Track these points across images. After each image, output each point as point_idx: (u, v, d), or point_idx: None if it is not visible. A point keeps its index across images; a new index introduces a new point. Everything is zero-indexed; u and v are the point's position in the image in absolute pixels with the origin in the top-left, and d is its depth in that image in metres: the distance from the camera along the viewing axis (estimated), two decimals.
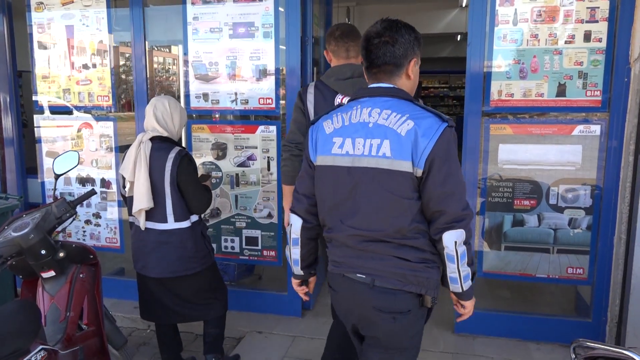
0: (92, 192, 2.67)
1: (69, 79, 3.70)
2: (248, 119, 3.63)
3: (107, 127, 3.70)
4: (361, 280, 1.63)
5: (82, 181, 3.80)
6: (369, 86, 1.69)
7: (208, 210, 3.51)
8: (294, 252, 1.83)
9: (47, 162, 3.84)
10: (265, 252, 3.52)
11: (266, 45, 3.29)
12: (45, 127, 3.82)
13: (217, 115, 3.58)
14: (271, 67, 3.30)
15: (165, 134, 2.61)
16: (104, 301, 2.55)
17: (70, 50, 3.66)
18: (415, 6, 9.23)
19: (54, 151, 3.82)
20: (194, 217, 2.67)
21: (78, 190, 3.82)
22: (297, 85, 3.27)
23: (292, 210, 1.81)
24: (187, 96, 3.48)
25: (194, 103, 3.46)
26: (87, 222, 3.84)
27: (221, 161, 3.47)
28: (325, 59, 2.64)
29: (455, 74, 17.01)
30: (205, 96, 3.43)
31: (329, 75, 2.50)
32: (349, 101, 1.73)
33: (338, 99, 2.39)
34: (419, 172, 1.52)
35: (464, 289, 1.63)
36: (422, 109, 1.58)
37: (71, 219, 2.54)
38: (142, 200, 2.54)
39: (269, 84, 3.32)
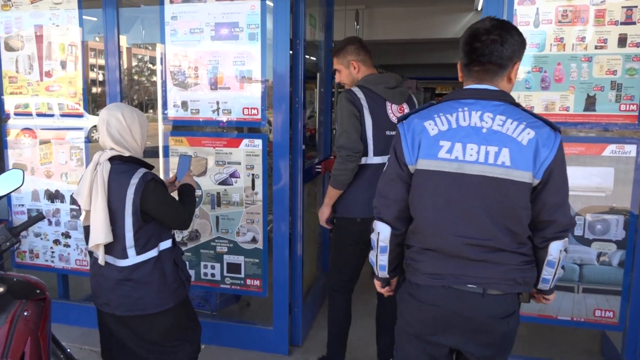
0: (40, 217, 2.30)
1: (37, 84, 3.35)
2: (231, 130, 3.25)
3: (78, 138, 3.35)
4: (472, 291, 1.60)
5: (51, 197, 3.44)
6: (469, 87, 1.63)
7: (186, 233, 3.13)
8: (382, 259, 1.76)
9: None
10: (249, 281, 3.13)
11: (252, 48, 2.90)
12: (12, 136, 3.47)
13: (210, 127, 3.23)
14: (257, 73, 2.92)
15: (126, 153, 2.23)
16: (74, 331, 2.19)
17: (40, 52, 3.31)
18: (428, 9, 8.82)
19: (21, 163, 3.47)
20: (165, 244, 2.29)
21: (47, 206, 3.47)
22: (285, 94, 2.89)
23: (379, 217, 1.72)
24: (164, 104, 3.11)
25: (172, 112, 3.09)
26: (56, 242, 3.49)
27: (201, 178, 3.08)
28: (333, 69, 2.76)
29: None
30: (184, 105, 3.06)
31: (375, 82, 2.57)
32: (444, 100, 1.66)
33: (388, 108, 2.58)
34: (536, 182, 1.53)
35: (551, 286, 1.69)
36: (534, 117, 1.57)
37: (14, 246, 2.21)
38: (99, 233, 2.16)
39: (254, 92, 2.94)
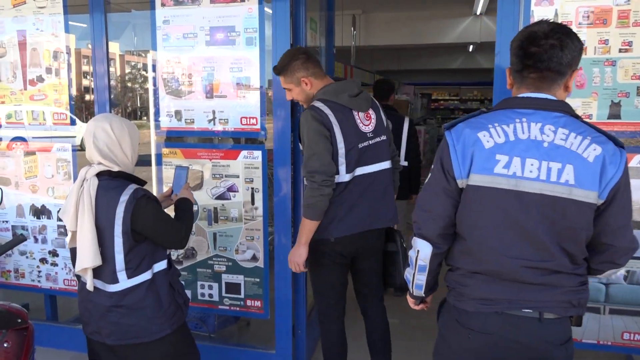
0: (20, 239, 2.12)
1: (21, 93, 3.15)
2: (228, 141, 3.06)
3: (65, 150, 3.14)
4: (528, 316, 1.50)
5: (37, 213, 3.23)
6: (525, 95, 1.50)
7: (182, 251, 2.93)
8: (419, 279, 1.66)
9: None
10: (249, 302, 2.93)
11: (249, 53, 2.72)
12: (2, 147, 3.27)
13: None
14: (255, 80, 2.73)
15: (115, 168, 2.03)
16: (63, 355, 2.01)
17: (23, 59, 3.11)
18: (425, 14, 8.69)
19: (4, 177, 3.27)
20: (160, 265, 2.09)
21: (32, 223, 3.25)
22: (286, 103, 2.70)
23: (420, 234, 1.60)
24: (157, 113, 2.91)
25: (165, 123, 2.89)
26: (43, 260, 3.27)
27: (197, 192, 2.89)
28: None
29: (467, 86, 16.50)
30: (178, 114, 2.87)
31: (336, 92, 2.30)
32: (497, 109, 1.53)
33: (356, 117, 2.31)
34: (600, 202, 1.43)
35: None
36: (597, 131, 1.46)
37: None
38: (87, 256, 1.96)
39: (252, 100, 2.75)
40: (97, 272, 2.02)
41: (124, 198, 1.96)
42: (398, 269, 2.52)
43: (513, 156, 1.43)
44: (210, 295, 2.97)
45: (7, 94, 3.17)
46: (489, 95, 16.51)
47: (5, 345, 2.01)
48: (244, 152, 2.81)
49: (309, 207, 2.24)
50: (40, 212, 3.23)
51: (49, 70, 3.08)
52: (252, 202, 2.83)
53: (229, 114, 2.79)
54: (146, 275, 2.04)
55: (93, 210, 1.97)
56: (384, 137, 2.43)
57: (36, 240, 3.26)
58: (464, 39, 9.08)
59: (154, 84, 2.89)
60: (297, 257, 2.34)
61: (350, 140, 2.27)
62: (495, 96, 2.47)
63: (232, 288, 2.93)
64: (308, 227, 2.28)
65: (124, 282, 2.01)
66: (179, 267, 2.95)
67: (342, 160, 2.26)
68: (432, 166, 1.60)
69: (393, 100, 4.24)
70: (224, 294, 2.95)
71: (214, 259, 2.93)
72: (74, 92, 3.11)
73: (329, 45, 3.84)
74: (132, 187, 2.00)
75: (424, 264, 1.62)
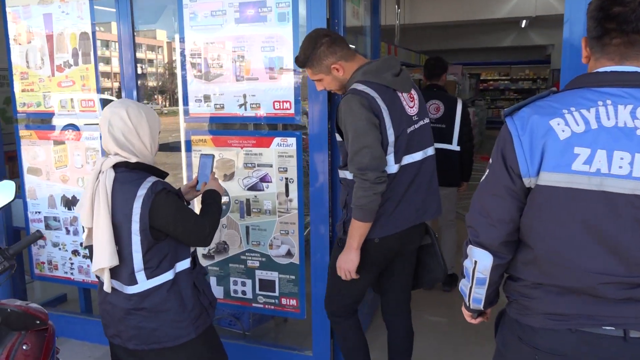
0: (36, 237, 1.98)
1: (49, 80, 3.03)
2: (260, 128, 2.84)
3: (94, 139, 3.01)
4: (609, 334, 1.26)
5: (68, 203, 3.13)
6: (607, 69, 1.24)
7: (213, 245, 2.76)
8: (477, 292, 1.42)
9: (28, 180, 3.21)
10: (284, 300, 2.73)
11: (282, 30, 2.48)
12: (25, 137, 3.18)
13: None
14: (289, 61, 2.49)
15: (133, 159, 1.85)
16: (97, 350, 1.93)
17: (50, 44, 2.98)
18: None
19: (36, 167, 3.18)
20: (183, 265, 1.92)
21: (64, 214, 3.16)
22: None
23: (478, 242, 1.35)
24: (185, 98, 2.72)
25: (194, 108, 2.70)
26: (75, 252, 3.18)
27: (228, 183, 2.69)
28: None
29: (518, 65, 15.71)
30: (207, 99, 2.67)
31: (379, 71, 2.02)
32: (570, 88, 1.28)
33: (402, 99, 2.03)
34: None
35: None
36: None
37: (7, 272, 1.91)
38: (103, 255, 1.80)
39: (286, 82, 2.51)
40: (114, 272, 1.87)
41: (142, 192, 1.78)
42: (438, 262, 2.26)
43: (597, 149, 1.17)
44: (244, 292, 2.78)
45: (35, 81, 3.06)
46: (542, 74, 15.67)
47: (24, 347, 1.89)
48: (277, 139, 2.58)
49: (360, 208, 1.95)
50: (71, 202, 3.13)
51: (75, 56, 2.94)
52: (287, 194, 2.61)
53: (261, 97, 2.56)
54: (167, 276, 1.87)
55: (109, 205, 1.80)
56: (427, 120, 2.17)
57: (68, 231, 3.17)
58: (517, 13, 8.49)
59: (182, 68, 2.70)
60: (349, 263, 2.03)
61: (399, 126, 2.00)
62: (563, 76, 2.11)
63: (267, 285, 2.74)
64: (360, 230, 1.99)
65: (143, 283, 1.85)
66: (210, 262, 2.79)
67: (390, 149, 1.99)
68: (490, 160, 1.33)
69: (445, 80, 3.93)
70: (257, 292, 2.76)
71: (246, 253, 2.74)
72: (100, 80, 2.96)
73: (375, 24, 3.56)
74: (150, 180, 1.82)
75: (483, 277, 1.37)
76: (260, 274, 2.74)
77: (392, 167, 2.00)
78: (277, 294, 2.73)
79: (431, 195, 2.16)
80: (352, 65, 2.05)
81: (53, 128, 3.09)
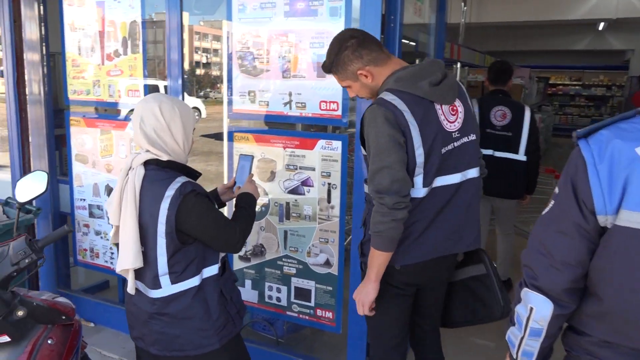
0: (65, 231, 1.92)
1: (99, 68, 3.01)
2: (305, 128, 2.70)
3: None
4: None
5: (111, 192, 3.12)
6: None
7: (250, 247, 2.65)
8: (530, 345, 1.20)
9: (75, 167, 3.22)
10: (319, 312, 2.58)
11: (333, 26, 2.31)
12: (74, 125, 3.18)
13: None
14: None
15: (164, 157, 1.75)
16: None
17: (101, 33, 2.96)
18: None
19: (83, 154, 3.18)
20: (210, 270, 1.81)
21: None
22: None
23: (536, 286, 1.15)
24: (230, 94, 2.62)
25: (237, 104, 2.59)
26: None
27: (268, 184, 2.57)
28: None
29: (591, 70, 14.79)
30: (252, 95, 2.55)
31: (414, 79, 1.74)
32: None
33: (439, 112, 1.76)
34: None
35: None
36: None
37: (35, 266, 1.86)
38: (127, 256, 1.72)
39: (334, 82, 2.34)
40: (139, 274, 1.79)
41: (170, 193, 1.68)
42: (495, 296, 1.93)
43: None
44: (279, 299, 2.66)
45: (86, 69, 3.05)
46: (619, 81, 14.68)
47: (49, 341, 1.86)
48: (321, 142, 2.43)
49: (378, 234, 1.71)
50: None
51: (124, 45, 2.90)
52: (329, 200, 2.45)
53: (308, 96, 2.41)
54: (193, 281, 1.77)
55: (137, 204, 1.72)
56: (473, 137, 1.86)
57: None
58: (595, 14, 7.91)
59: (228, 61, 2.59)
60: (364, 295, 1.82)
61: (431, 144, 1.72)
62: None
63: (302, 294, 2.60)
64: (379, 259, 1.75)
65: (167, 288, 1.76)
66: (246, 265, 2.69)
67: (419, 170, 1.72)
68: (557, 190, 1.12)
69: (510, 86, 3.66)
70: (292, 299, 2.63)
71: (283, 259, 2.61)
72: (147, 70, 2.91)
73: (440, 22, 3.34)
74: (179, 181, 1.71)
75: (539, 327, 1.17)
76: (296, 282, 2.60)
77: (420, 191, 1.74)
78: (312, 304, 2.58)
79: (469, 223, 1.88)
80: (385, 70, 1.80)
81: (107, 117, 3.09)
